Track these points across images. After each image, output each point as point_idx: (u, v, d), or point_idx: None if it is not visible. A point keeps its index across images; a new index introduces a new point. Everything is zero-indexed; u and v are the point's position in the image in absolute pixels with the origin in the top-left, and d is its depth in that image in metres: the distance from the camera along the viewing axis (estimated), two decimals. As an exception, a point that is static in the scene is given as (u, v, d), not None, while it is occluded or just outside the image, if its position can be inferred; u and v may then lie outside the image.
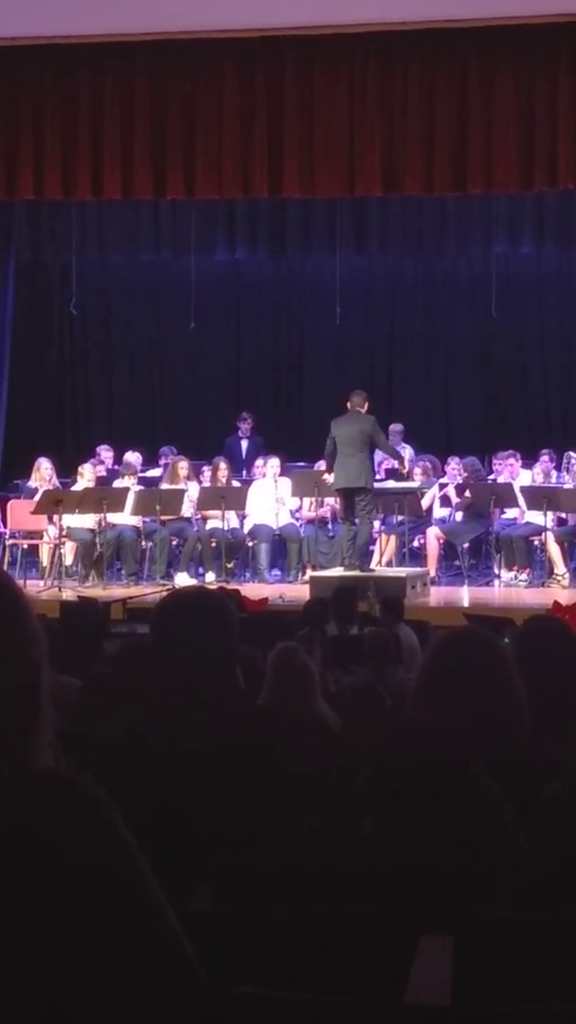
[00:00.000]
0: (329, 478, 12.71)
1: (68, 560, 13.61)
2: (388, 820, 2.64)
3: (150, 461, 15.20)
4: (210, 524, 13.65)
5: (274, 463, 13.91)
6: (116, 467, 14.67)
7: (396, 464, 13.68)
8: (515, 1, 12.49)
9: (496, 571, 13.24)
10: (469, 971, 2.13)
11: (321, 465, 14.20)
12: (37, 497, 13.25)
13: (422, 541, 13.70)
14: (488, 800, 2.74)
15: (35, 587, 12.76)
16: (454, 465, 14.17)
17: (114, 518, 13.29)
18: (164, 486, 13.79)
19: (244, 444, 15.65)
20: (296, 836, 2.76)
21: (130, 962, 1.54)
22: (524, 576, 13.11)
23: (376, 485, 12.79)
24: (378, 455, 13.46)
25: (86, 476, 13.72)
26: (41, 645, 1.67)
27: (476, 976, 2.15)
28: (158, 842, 1.90)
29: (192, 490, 13.73)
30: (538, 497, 12.97)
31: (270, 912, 2.34)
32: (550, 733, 3.42)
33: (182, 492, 13.55)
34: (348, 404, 12.60)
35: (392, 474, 13.97)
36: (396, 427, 14.54)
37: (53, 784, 1.60)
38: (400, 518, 13.39)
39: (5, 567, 13.35)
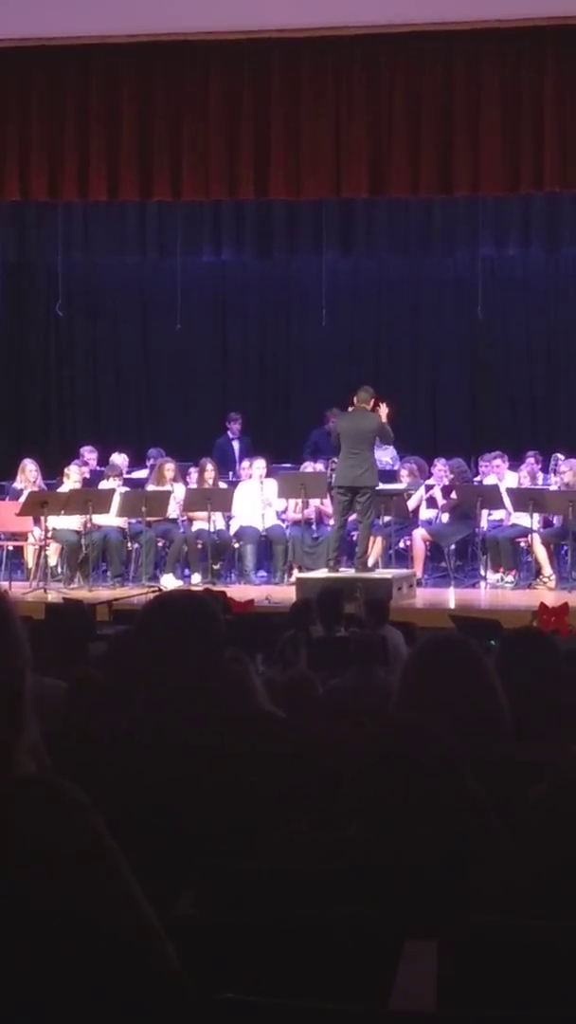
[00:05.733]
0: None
1: (53, 561, 13.58)
2: (373, 822, 2.64)
3: (136, 462, 15.18)
4: (196, 525, 13.63)
5: (260, 464, 13.90)
6: (100, 468, 14.65)
7: (383, 462, 13.66)
8: (501, 4, 12.50)
9: (482, 573, 13.25)
10: (454, 975, 2.12)
11: (307, 467, 14.20)
12: (22, 498, 13.22)
13: (408, 543, 13.70)
14: (473, 802, 2.74)
15: (20, 589, 12.74)
16: (440, 467, 14.17)
17: (100, 519, 13.27)
18: (150, 487, 13.77)
19: (236, 445, 15.65)
20: (281, 839, 2.76)
21: (112, 968, 1.54)
22: (510, 578, 13.12)
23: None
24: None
25: (72, 477, 13.70)
26: (24, 652, 1.66)
27: (461, 980, 2.14)
28: (143, 846, 1.90)
29: (178, 491, 13.71)
30: (524, 499, 12.98)
31: (254, 917, 2.33)
32: (530, 736, 3.43)
33: (168, 493, 13.53)
34: (354, 399, 12.57)
35: (379, 475, 13.95)
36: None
37: (36, 790, 1.60)
38: (387, 519, 13.38)
39: (-9, 569, 13.36)
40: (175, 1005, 1.57)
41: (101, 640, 6.97)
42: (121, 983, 1.53)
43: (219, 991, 1.78)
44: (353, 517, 12.53)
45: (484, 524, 13.50)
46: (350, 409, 12.65)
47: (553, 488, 13.46)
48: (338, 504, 12.49)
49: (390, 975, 2.07)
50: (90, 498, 13.24)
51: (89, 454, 15.11)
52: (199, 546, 13.47)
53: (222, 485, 13.97)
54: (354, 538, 12.63)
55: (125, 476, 14.29)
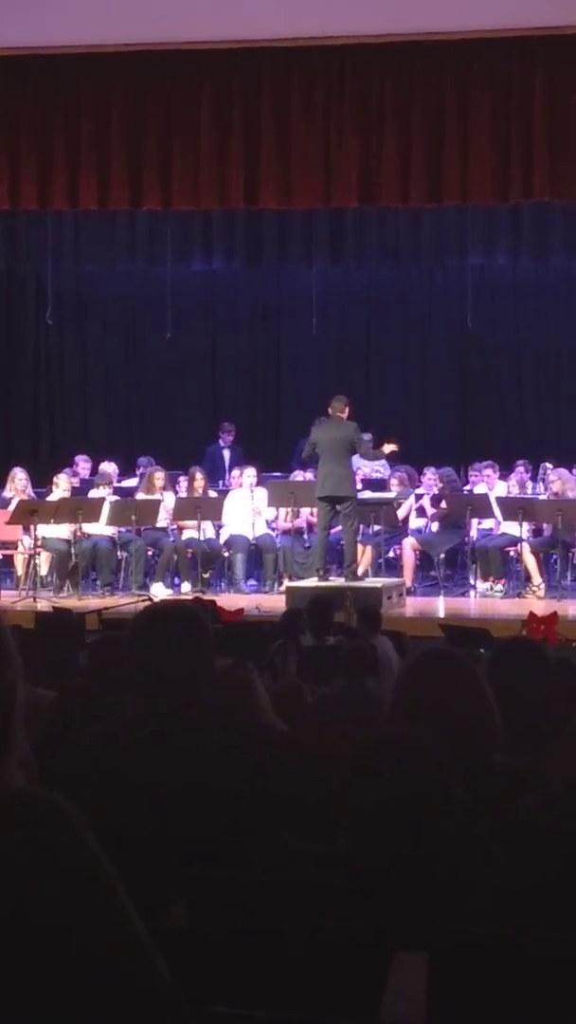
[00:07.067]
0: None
1: (43, 570, 13.57)
2: (362, 834, 2.63)
3: (126, 471, 15.18)
4: (186, 534, 13.63)
5: (250, 473, 13.90)
6: (90, 477, 14.65)
7: (372, 468, 13.75)
8: (491, 14, 12.52)
9: (472, 582, 13.25)
10: (444, 986, 2.12)
11: (297, 475, 14.19)
12: (12, 507, 13.20)
13: (398, 552, 13.70)
14: (463, 814, 2.73)
15: (10, 597, 12.72)
16: (430, 476, 14.19)
17: (89, 528, 13.26)
18: (140, 496, 13.76)
19: (227, 454, 15.65)
20: (271, 850, 2.75)
21: (101, 982, 1.53)
22: (500, 587, 13.13)
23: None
24: (354, 463, 13.45)
25: (61, 486, 13.69)
26: (15, 664, 1.66)
27: (451, 991, 2.14)
28: (133, 857, 1.89)
29: (168, 500, 13.70)
30: (513, 508, 12.99)
31: (244, 928, 2.33)
32: (521, 746, 3.44)
33: (158, 502, 13.52)
34: (329, 410, 12.57)
35: (368, 484, 13.97)
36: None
37: (24, 802, 1.59)
38: (376, 528, 13.39)
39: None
40: (166, 1019, 1.57)
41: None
42: (111, 997, 1.53)
43: (210, 1004, 1.77)
44: (338, 528, 12.55)
45: (474, 533, 13.52)
46: (326, 418, 12.63)
47: (542, 497, 13.48)
48: (322, 513, 12.48)
49: (380, 987, 2.07)
50: (80, 507, 13.22)
51: (84, 463, 15.11)
52: (189, 555, 13.46)
53: (212, 494, 13.97)
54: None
55: (115, 485, 14.29)
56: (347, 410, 12.50)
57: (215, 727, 3.07)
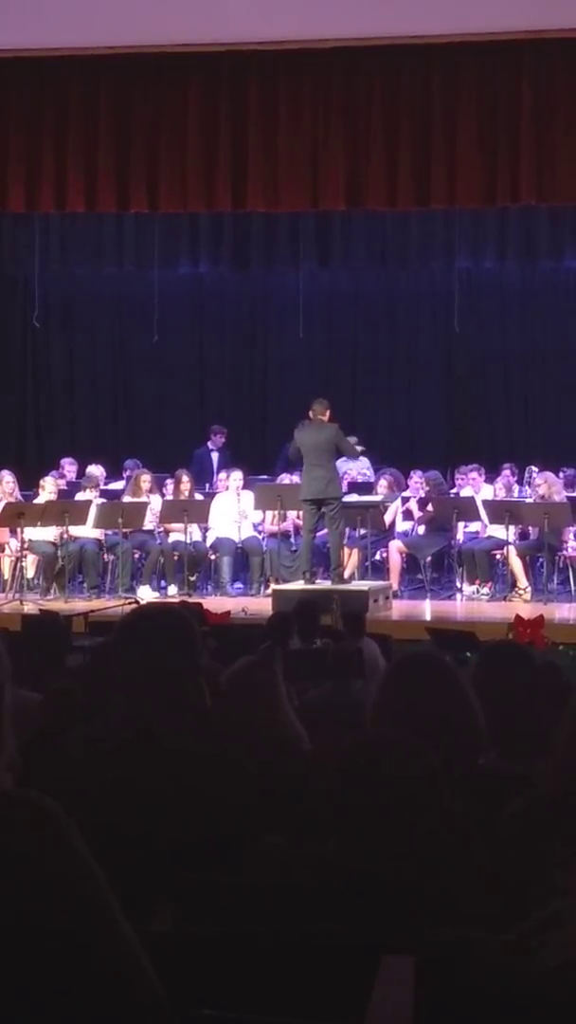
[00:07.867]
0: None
1: (30, 573, 13.55)
2: (350, 836, 2.63)
3: (113, 474, 15.17)
4: (173, 537, 13.62)
5: (237, 476, 13.90)
6: (77, 480, 14.64)
7: (359, 471, 13.75)
8: (478, 18, 12.55)
9: (458, 585, 13.26)
10: (430, 990, 2.12)
11: (284, 479, 14.19)
12: (-1, 509, 13.20)
13: (384, 555, 13.71)
14: (449, 816, 2.74)
15: (-4, 600, 12.70)
16: (416, 479, 14.20)
17: (76, 531, 13.25)
18: (127, 499, 13.75)
19: (215, 456, 15.65)
20: (259, 853, 2.75)
21: (87, 983, 1.53)
22: (486, 590, 13.14)
23: (339, 498, 12.77)
24: (340, 467, 13.47)
25: (48, 489, 13.67)
26: (3, 667, 1.65)
27: (437, 995, 2.14)
28: (120, 860, 1.89)
29: (155, 503, 13.70)
30: (500, 511, 13.01)
31: (231, 931, 2.33)
32: (507, 749, 3.45)
33: (145, 505, 13.52)
34: (310, 413, 12.59)
35: (355, 487, 13.98)
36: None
37: (11, 804, 1.59)
38: (363, 531, 13.39)
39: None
40: (151, 1020, 1.57)
41: (77, 652, 6.96)
42: (98, 1000, 1.53)
43: (196, 1007, 1.77)
44: (324, 531, 12.56)
45: (460, 536, 13.52)
46: (308, 422, 12.64)
47: (528, 500, 13.49)
48: (307, 516, 12.49)
49: (367, 991, 2.07)
50: (67, 509, 13.21)
51: (70, 466, 15.10)
52: (175, 558, 13.46)
53: (199, 496, 13.96)
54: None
55: (101, 487, 14.27)
56: (328, 413, 12.52)
57: (204, 729, 3.06)
